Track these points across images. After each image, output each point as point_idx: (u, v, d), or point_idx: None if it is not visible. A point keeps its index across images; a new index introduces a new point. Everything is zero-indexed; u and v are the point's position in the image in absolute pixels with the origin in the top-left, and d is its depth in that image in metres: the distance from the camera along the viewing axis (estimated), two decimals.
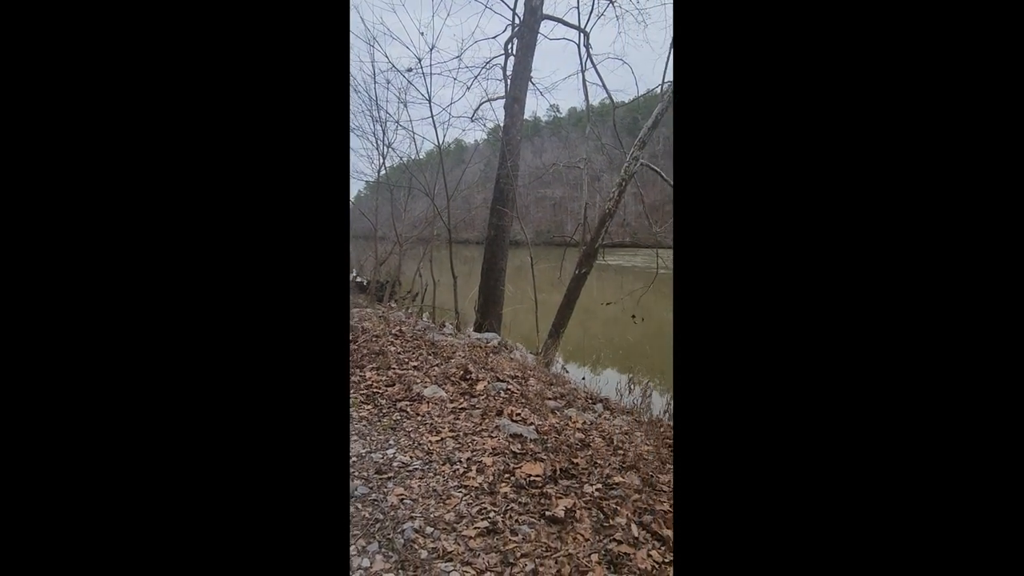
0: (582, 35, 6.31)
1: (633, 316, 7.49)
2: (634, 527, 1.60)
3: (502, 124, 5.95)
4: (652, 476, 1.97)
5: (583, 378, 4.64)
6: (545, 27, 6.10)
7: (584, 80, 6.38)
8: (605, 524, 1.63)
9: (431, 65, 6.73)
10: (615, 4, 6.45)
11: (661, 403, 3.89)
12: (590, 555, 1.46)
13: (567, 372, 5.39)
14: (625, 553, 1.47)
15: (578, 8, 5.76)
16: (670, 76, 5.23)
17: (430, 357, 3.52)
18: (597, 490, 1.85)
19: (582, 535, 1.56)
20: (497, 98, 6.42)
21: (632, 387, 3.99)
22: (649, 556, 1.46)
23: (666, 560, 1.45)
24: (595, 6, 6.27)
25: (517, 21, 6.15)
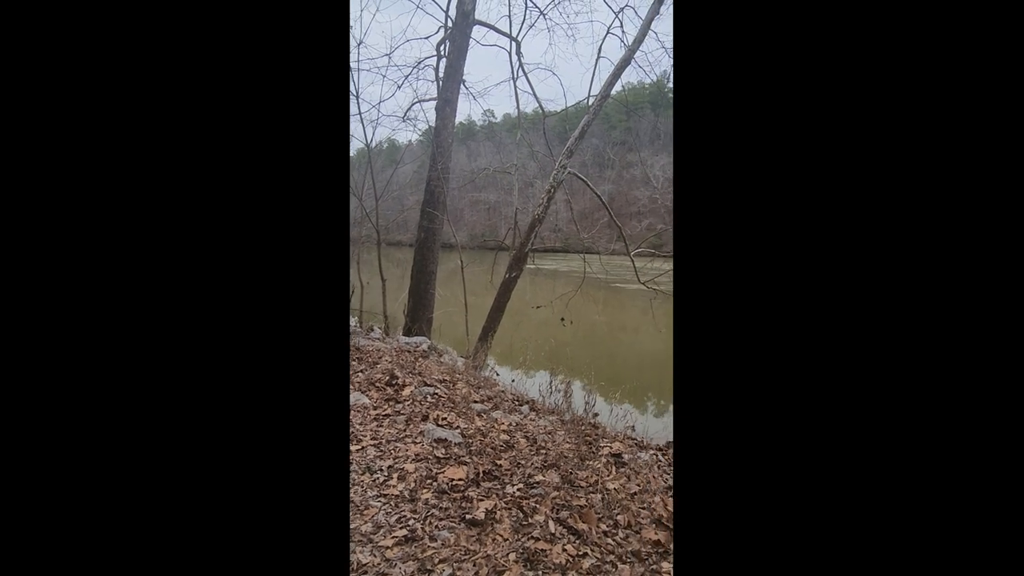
0: (513, 43, 6.43)
1: (562, 319, 7.73)
2: (551, 523, 1.65)
3: (433, 126, 5.89)
4: (571, 473, 2.05)
5: (512, 380, 4.70)
6: (478, 32, 6.14)
7: (515, 88, 6.51)
8: (524, 523, 1.67)
9: (359, 61, 6.50)
10: (546, 17, 6.66)
11: (589, 402, 4.05)
12: (508, 555, 1.49)
13: (497, 375, 5.43)
14: (542, 550, 1.51)
15: (509, 17, 5.87)
16: (596, 90, 5.51)
17: (354, 363, 3.38)
18: (518, 490, 1.89)
19: (501, 535, 1.59)
20: (429, 99, 6.35)
21: (559, 388, 4.11)
22: (564, 551, 1.52)
23: (579, 553, 1.52)
24: (527, 17, 6.40)
25: (449, 23, 6.13)
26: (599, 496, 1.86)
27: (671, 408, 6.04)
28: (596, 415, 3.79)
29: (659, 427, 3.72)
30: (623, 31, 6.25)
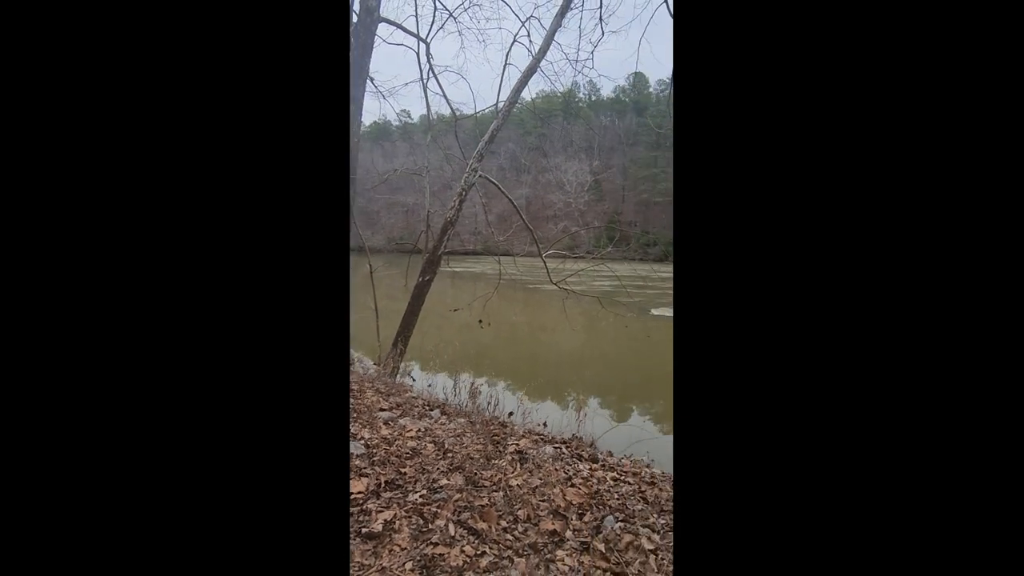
0: (421, 44, 6.35)
1: (480, 321, 7.77)
2: (452, 526, 1.65)
3: None
4: (476, 474, 2.06)
5: (429, 384, 4.62)
6: (385, 30, 5.97)
7: (425, 89, 6.43)
8: (424, 529, 1.65)
9: None
10: (456, 20, 6.66)
11: (504, 401, 4.10)
12: (404, 564, 1.46)
13: (412, 380, 5.31)
14: (440, 554, 1.50)
15: (417, 17, 5.77)
16: (504, 95, 5.62)
17: None
18: (421, 496, 1.86)
19: (399, 545, 1.55)
20: None
21: (478, 390, 4.13)
22: (463, 552, 1.52)
23: (478, 552, 1.53)
24: (435, 18, 6.35)
25: (354, 19, 5.89)
26: (501, 494, 1.89)
27: (590, 402, 6.34)
28: (511, 414, 3.86)
29: (571, 421, 3.89)
30: (530, 40, 6.46)
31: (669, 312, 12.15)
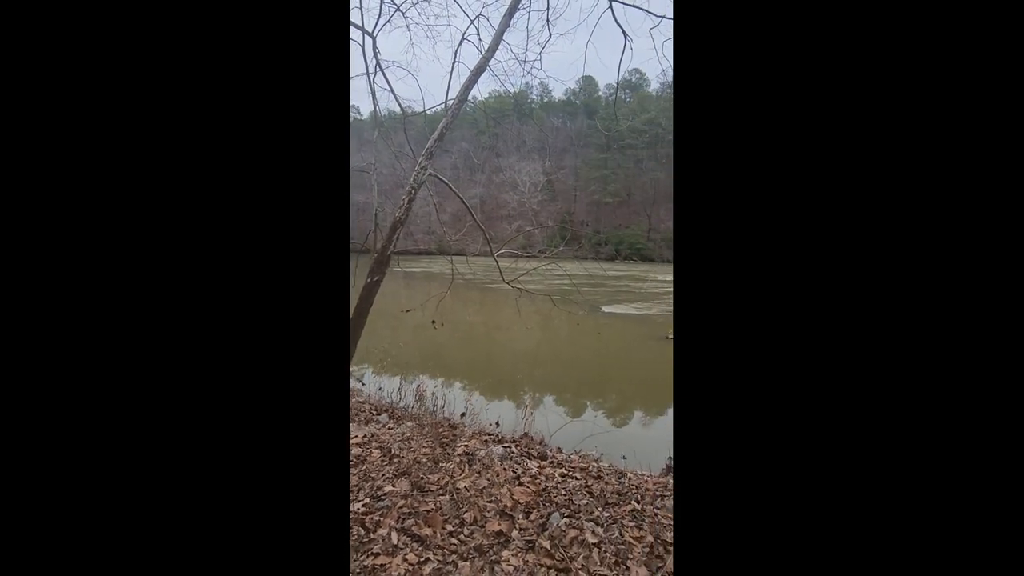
0: (367, 37, 6.15)
1: (433, 322, 7.64)
2: (395, 535, 1.60)
3: None
4: (422, 479, 2.01)
5: (379, 388, 4.49)
6: None
7: (372, 84, 6.23)
8: (365, 540, 1.58)
9: None
10: (404, 14, 6.49)
11: (453, 403, 4.05)
12: None
13: (362, 384, 5.14)
14: (381, 564, 1.45)
15: (361, 9, 5.58)
16: (454, 93, 5.54)
17: None
18: (363, 505, 1.79)
19: None
20: None
21: (432, 392, 4.05)
22: (405, 560, 1.48)
23: (421, 559, 1.49)
24: (382, 12, 6.17)
25: None
26: (448, 497, 1.86)
27: (546, 399, 6.39)
28: (463, 415, 3.82)
29: (525, 419, 3.90)
30: (480, 39, 6.41)
31: (620, 310, 12.53)
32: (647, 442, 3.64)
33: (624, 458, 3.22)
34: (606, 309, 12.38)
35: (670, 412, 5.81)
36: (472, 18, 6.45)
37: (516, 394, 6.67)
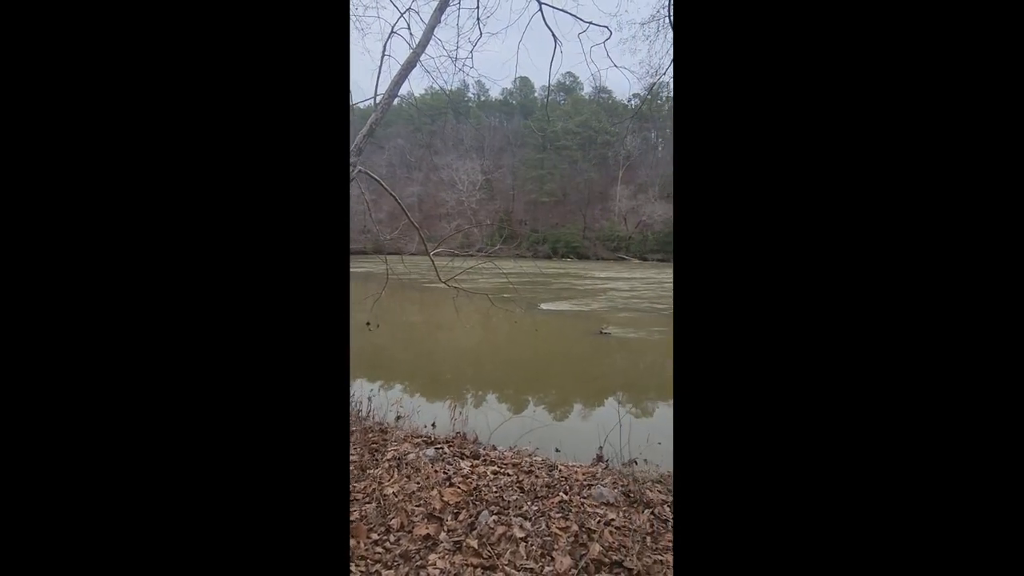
0: None
1: (368, 323, 7.38)
2: None
3: None
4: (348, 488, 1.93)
5: None
6: None
7: None
8: None
9: None
10: None
11: (384, 407, 3.92)
12: None
13: None
14: None
15: None
16: (384, 87, 5.36)
17: None
18: None
19: None
20: None
21: (369, 396, 3.89)
22: None
23: None
24: None
25: None
26: (374, 505, 1.80)
27: (488, 397, 6.39)
28: (398, 418, 3.71)
29: (464, 419, 3.86)
30: (411, 33, 6.25)
31: (558, 307, 12.83)
32: (583, 434, 3.76)
33: (557, 451, 3.30)
34: (544, 307, 12.63)
35: (608, 402, 6.05)
36: (402, 11, 6.29)
37: (457, 394, 6.61)
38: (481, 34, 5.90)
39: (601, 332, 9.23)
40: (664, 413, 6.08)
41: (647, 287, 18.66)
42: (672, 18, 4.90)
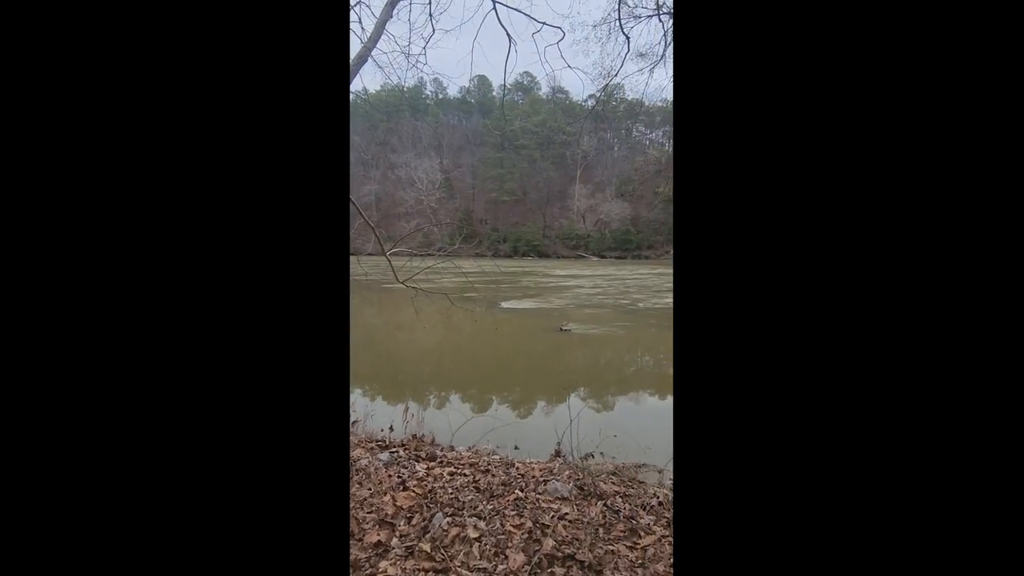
0: None
1: None
2: None
3: None
4: None
5: None
6: None
7: None
8: None
9: None
10: None
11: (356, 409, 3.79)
12: None
13: None
14: None
15: None
16: None
17: None
18: None
19: None
20: None
21: None
22: None
23: None
24: None
25: None
26: None
27: (451, 398, 6.32)
28: (354, 423, 3.60)
29: (425, 420, 3.80)
30: (363, 28, 6.07)
31: (519, 305, 12.90)
32: (544, 430, 3.79)
33: (516, 448, 3.31)
34: (505, 305, 12.66)
35: (570, 398, 6.14)
36: (353, 4, 6.11)
37: (419, 395, 6.51)
38: (434, 30, 5.81)
39: (561, 329, 9.36)
40: (623, 405, 6.25)
41: (608, 283, 19.10)
42: (621, 22, 5.02)
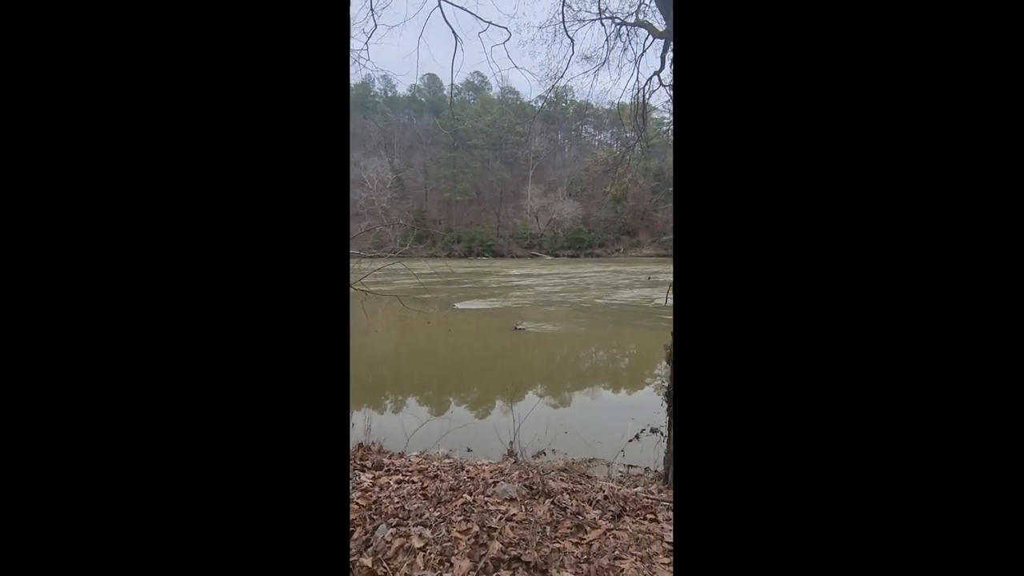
0: None
1: None
2: None
3: None
4: None
5: None
6: None
7: None
8: None
9: None
10: None
11: None
12: None
13: None
14: None
15: None
16: None
17: None
18: None
19: None
20: None
21: None
22: None
23: None
24: None
25: None
26: None
27: (407, 402, 6.17)
28: None
29: (376, 427, 3.67)
30: None
31: (474, 305, 12.84)
32: (502, 430, 3.79)
33: (469, 450, 3.28)
34: (460, 305, 12.56)
35: (528, 396, 6.17)
36: None
37: (373, 401, 6.32)
38: (376, 26, 5.65)
39: (516, 328, 9.41)
40: (579, 401, 6.37)
41: (562, 281, 19.41)
42: (565, 24, 5.09)
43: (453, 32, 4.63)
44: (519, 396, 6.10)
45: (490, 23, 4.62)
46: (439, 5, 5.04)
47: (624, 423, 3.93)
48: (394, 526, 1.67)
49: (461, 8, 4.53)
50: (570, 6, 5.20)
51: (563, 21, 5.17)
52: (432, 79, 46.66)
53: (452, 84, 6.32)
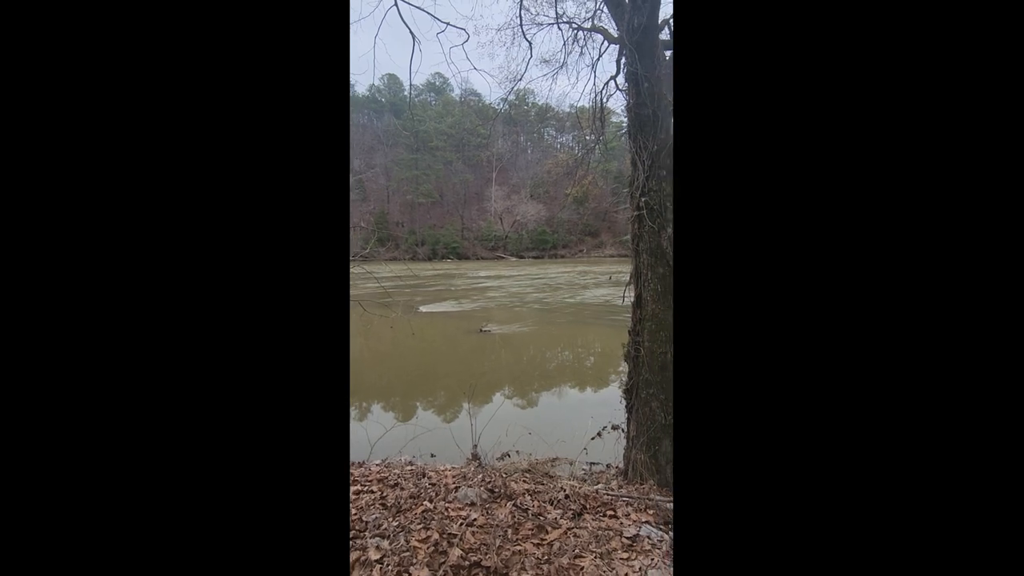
0: None
1: None
2: None
3: None
4: None
5: None
6: None
7: None
8: None
9: None
10: None
11: None
12: None
13: None
14: None
15: None
16: None
17: None
18: None
19: None
20: None
21: None
22: None
23: None
24: None
25: None
26: None
27: (372, 408, 6.00)
28: None
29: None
30: None
31: (438, 308, 12.70)
32: (468, 432, 3.75)
33: (433, 456, 3.23)
34: (424, 308, 12.40)
35: (496, 398, 6.15)
36: None
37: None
38: None
39: (481, 330, 9.37)
40: (546, 400, 6.41)
41: (528, 282, 19.52)
42: (523, 28, 5.12)
43: (411, 32, 4.56)
44: (486, 398, 6.07)
45: (448, 24, 4.58)
46: (395, 4, 4.96)
47: (587, 421, 3.98)
48: (351, 539, 1.62)
49: (418, 7, 4.47)
50: (527, 9, 5.23)
51: (521, 24, 5.21)
52: (392, 79, 45.90)
53: (411, 85, 6.25)
